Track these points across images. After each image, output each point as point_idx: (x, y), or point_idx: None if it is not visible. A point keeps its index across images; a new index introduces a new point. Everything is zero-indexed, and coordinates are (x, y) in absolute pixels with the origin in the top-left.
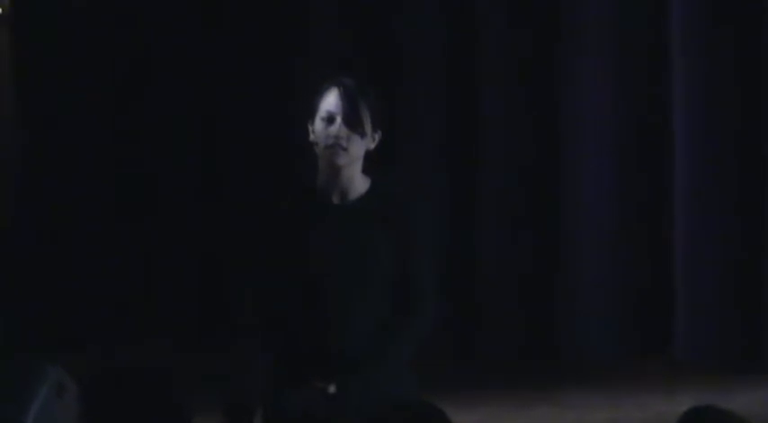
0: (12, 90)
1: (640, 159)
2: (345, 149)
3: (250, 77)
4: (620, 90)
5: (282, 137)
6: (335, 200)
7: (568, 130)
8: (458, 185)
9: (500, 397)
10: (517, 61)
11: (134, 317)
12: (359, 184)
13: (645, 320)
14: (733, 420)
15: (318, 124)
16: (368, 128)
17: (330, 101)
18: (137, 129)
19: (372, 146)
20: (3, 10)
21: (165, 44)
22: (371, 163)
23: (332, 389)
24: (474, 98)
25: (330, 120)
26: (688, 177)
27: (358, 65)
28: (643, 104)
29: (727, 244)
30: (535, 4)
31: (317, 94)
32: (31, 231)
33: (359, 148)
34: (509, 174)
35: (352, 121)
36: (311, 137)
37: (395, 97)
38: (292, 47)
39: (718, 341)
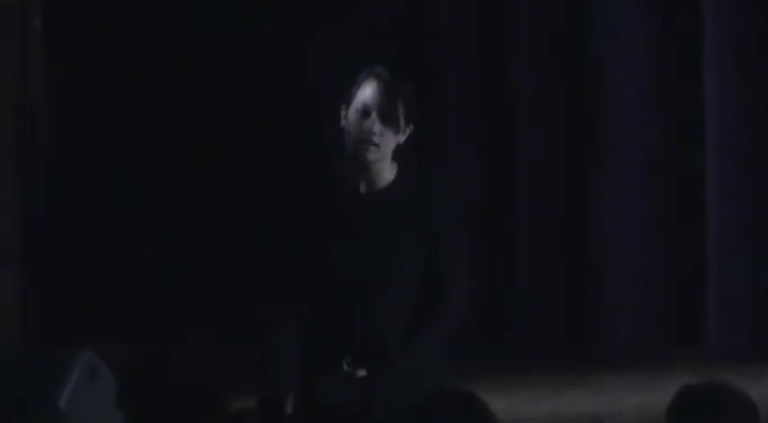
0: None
1: (676, 152)
2: (377, 145)
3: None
4: (654, 93)
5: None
6: (363, 189)
7: (603, 125)
8: (488, 178)
9: (532, 381)
10: (551, 54)
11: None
12: (387, 173)
13: (678, 309)
14: (736, 398)
15: (352, 115)
16: (402, 123)
17: (367, 93)
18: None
19: (403, 139)
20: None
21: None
22: (399, 151)
23: (361, 373)
24: (505, 92)
25: (365, 113)
26: (721, 166)
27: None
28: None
29: (757, 234)
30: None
31: (354, 82)
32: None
33: (391, 143)
34: (541, 166)
35: (387, 117)
36: (342, 122)
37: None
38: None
39: (750, 330)
